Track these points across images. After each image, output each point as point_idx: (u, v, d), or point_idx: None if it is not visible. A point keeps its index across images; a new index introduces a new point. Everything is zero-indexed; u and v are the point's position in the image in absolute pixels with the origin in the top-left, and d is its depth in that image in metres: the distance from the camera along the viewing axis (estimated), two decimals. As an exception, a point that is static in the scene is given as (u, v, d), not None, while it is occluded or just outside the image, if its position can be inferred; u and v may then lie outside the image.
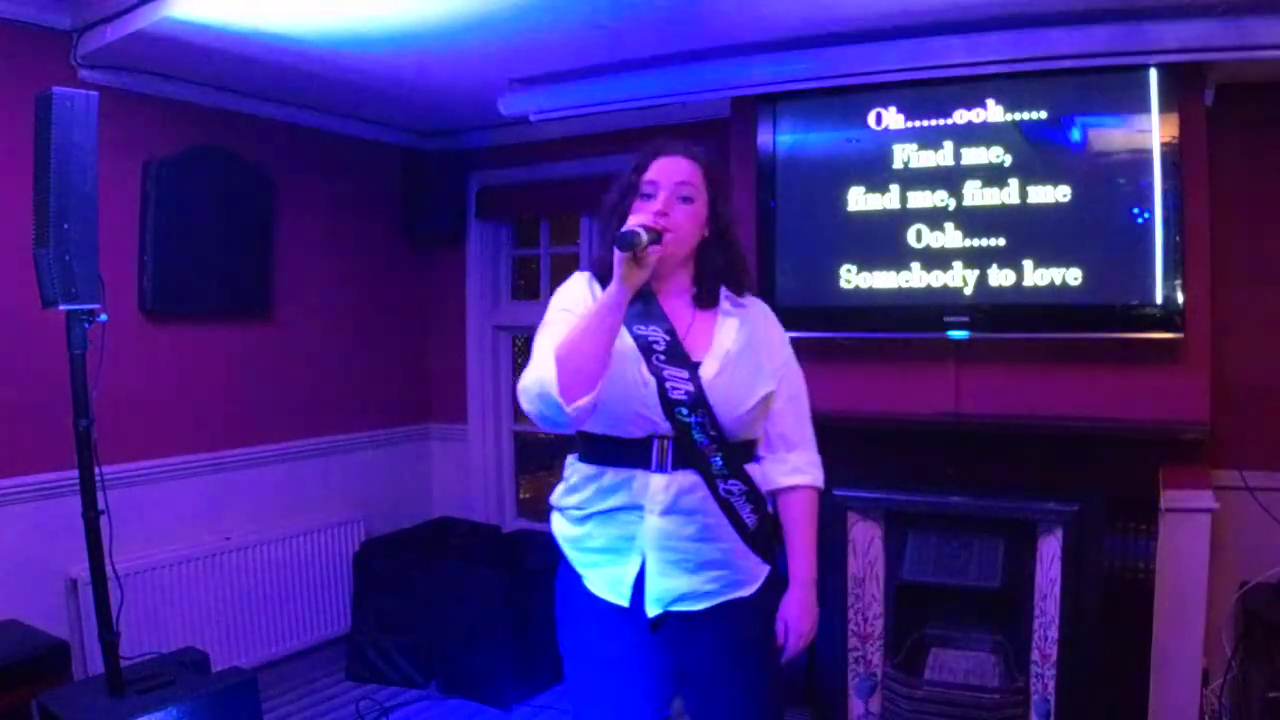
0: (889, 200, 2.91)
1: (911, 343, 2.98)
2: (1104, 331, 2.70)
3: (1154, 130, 2.60)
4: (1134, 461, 2.64)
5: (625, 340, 1.60)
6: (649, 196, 1.65)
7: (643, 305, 1.65)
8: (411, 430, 4.37)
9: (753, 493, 1.67)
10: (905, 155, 2.89)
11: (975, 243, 2.81)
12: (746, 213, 3.16)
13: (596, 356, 1.50)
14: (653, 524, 1.61)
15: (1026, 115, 2.75)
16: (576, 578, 1.70)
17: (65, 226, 2.12)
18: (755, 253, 3.08)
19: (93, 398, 2.24)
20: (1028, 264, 2.75)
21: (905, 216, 2.89)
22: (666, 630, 1.65)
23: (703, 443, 1.61)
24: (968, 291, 2.82)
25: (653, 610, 1.63)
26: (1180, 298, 2.59)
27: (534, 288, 4.45)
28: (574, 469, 1.72)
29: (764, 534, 1.71)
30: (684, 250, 1.67)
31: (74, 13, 2.86)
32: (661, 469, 1.61)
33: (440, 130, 4.22)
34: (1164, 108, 2.59)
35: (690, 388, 1.60)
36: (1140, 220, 2.63)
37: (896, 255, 2.90)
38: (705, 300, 1.72)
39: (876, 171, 2.92)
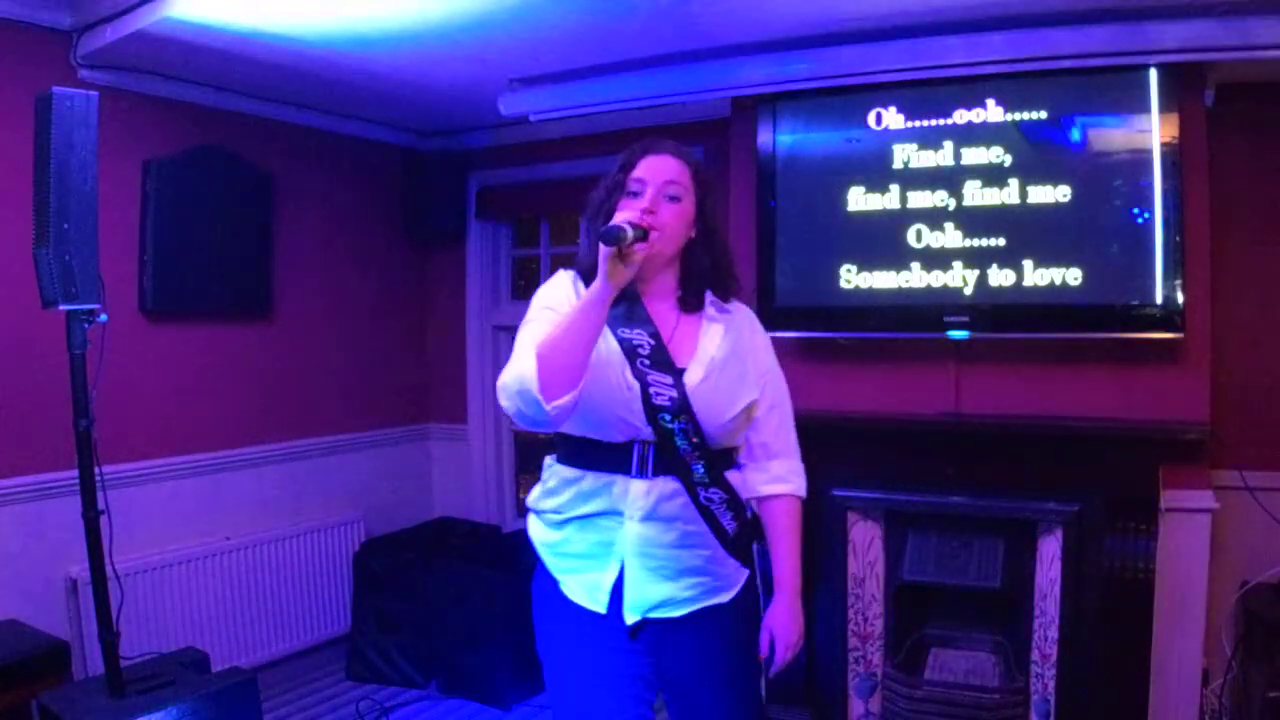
0: (889, 200, 2.91)
1: (911, 343, 2.98)
2: (1104, 331, 2.70)
3: (1154, 130, 2.60)
4: (1134, 461, 2.64)
5: (609, 343, 1.58)
6: (636, 194, 1.61)
7: (627, 307, 1.62)
8: (411, 430, 4.37)
9: (733, 500, 1.65)
10: (905, 155, 2.89)
11: (975, 243, 2.81)
12: (746, 213, 3.16)
13: (579, 354, 1.46)
14: (632, 530, 1.59)
15: (1026, 115, 2.75)
16: (553, 583, 1.67)
17: (65, 226, 2.12)
18: (755, 252, 3.09)
19: (93, 398, 2.25)
20: (1028, 264, 2.75)
21: (905, 216, 2.89)
22: (645, 636, 1.63)
23: (685, 449, 1.59)
24: (968, 291, 2.82)
25: (631, 618, 1.60)
26: (1180, 298, 2.58)
27: (534, 288, 4.42)
28: (552, 471, 1.69)
29: (744, 539, 1.69)
30: (670, 249, 1.63)
31: (74, 13, 2.86)
32: (642, 474, 1.59)
33: (440, 130, 4.22)
34: (1164, 108, 2.59)
35: (674, 394, 1.58)
36: (1140, 220, 2.63)
37: (896, 255, 2.90)
38: (690, 304, 1.69)
39: (876, 171, 2.92)
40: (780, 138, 3.06)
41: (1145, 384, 2.73)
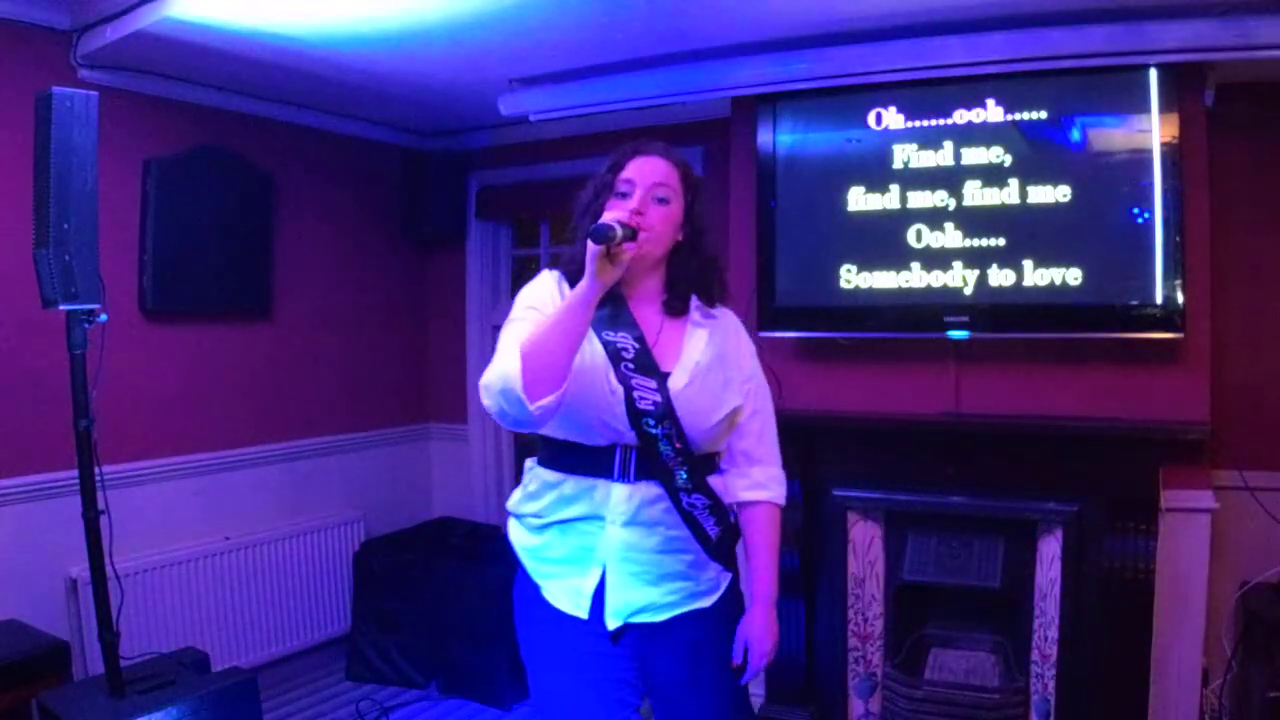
0: (889, 200, 2.91)
1: (911, 343, 2.98)
2: (1104, 331, 2.70)
3: (1154, 130, 2.60)
4: (1134, 461, 2.64)
5: (593, 346, 1.57)
6: (624, 195, 1.61)
7: (612, 310, 1.60)
8: (411, 430, 4.37)
9: (716, 505, 1.64)
10: (905, 155, 2.89)
11: (975, 243, 2.81)
12: (746, 213, 3.16)
13: (564, 354, 1.45)
14: (614, 535, 1.58)
15: (1026, 115, 2.75)
16: (535, 588, 1.65)
17: (65, 226, 2.11)
18: (755, 252, 3.09)
19: (93, 398, 2.24)
20: (1028, 264, 2.75)
21: (905, 216, 2.89)
22: (629, 640, 1.62)
23: (668, 454, 1.57)
24: (968, 291, 2.82)
25: (613, 623, 1.59)
26: (1180, 298, 2.58)
27: (534, 288, 4.44)
28: (533, 475, 1.68)
29: (727, 544, 1.69)
30: (658, 251, 1.62)
31: (74, 13, 2.86)
32: (624, 479, 1.58)
33: (440, 130, 4.22)
34: (1164, 108, 2.59)
35: (658, 398, 1.57)
36: (1140, 220, 2.63)
37: (896, 255, 2.90)
38: (676, 308, 1.68)
39: (876, 171, 2.92)
40: (780, 138, 3.06)
41: (1145, 384, 2.72)
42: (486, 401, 1.50)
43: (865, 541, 3.03)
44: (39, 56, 2.84)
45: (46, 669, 2.47)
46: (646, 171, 1.62)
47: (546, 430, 1.58)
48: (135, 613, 2.97)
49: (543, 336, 1.45)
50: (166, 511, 3.24)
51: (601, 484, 1.58)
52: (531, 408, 1.43)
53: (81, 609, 2.87)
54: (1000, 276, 2.78)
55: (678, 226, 1.65)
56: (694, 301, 1.70)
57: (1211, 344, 2.70)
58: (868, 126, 2.93)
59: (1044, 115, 2.73)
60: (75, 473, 2.26)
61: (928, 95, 2.84)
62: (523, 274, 4.53)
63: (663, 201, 1.61)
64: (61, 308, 2.17)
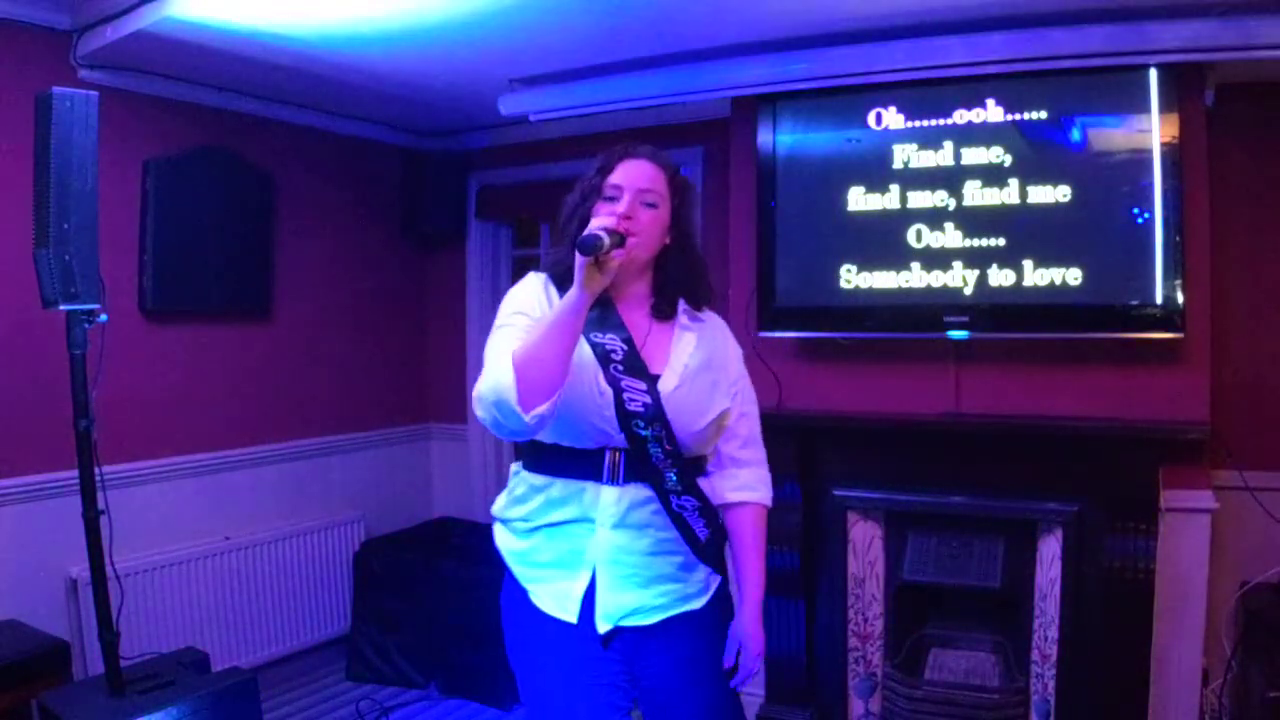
0: (889, 200, 2.91)
1: (911, 343, 2.98)
2: (1104, 331, 2.70)
3: (1154, 130, 2.60)
4: (1134, 461, 2.64)
5: (582, 349, 1.56)
6: (612, 199, 1.60)
7: (600, 313, 1.59)
8: (411, 430, 4.37)
9: (706, 507, 1.64)
10: (905, 155, 2.89)
11: (975, 243, 2.81)
12: (746, 212, 3.17)
13: (557, 363, 1.44)
14: (604, 538, 1.57)
15: (1026, 115, 2.75)
16: (522, 593, 1.64)
17: (65, 226, 2.12)
18: (755, 253, 3.09)
19: (93, 398, 2.25)
20: (1028, 264, 2.75)
21: (905, 216, 2.89)
22: (618, 643, 1.62)
23: (657, 456, 1.57)
24: (968, 291, 2.82)
25: (604, 626, 1.59)
26: (1180, 298, 2.58)
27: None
28: (519, 479, 1.68)
29: (715, 545, 1.68)
30: (645, 255, 1.62)
31: (74, 13, 2.86)
32: (613, 481, 1.57)
33: (440, 130, 4.22)
34: (1164, 108, 2.59)
35: (648, 400, 1.56)
36: (1140, 220, 2.63)
37: (896, 255, 2.90)
38: (663, 311, 1.68)
39: (876, 171, 2.92)
40: (780, 138, 3.06)
41: (1145, 384, 2.72)
42: (480, 413, 1.50)
43: (865, 541, 3.03)
44: (39, 56, 2.84)
45: (46, 669, 2.47)
46: (634, 175, 1.61)
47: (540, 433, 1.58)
48: (135, 613, 2.97)
49: (535, 346, 1.45)
50: (166, 511, 3.24)
51: (590, 486, 1.58)
52: (526, 418, 1.43)
53: (81, 609, 2.87)
54: (1000, 276, 2.78)
55: (665, 230, 1.65)
56: (681, 305, 1.70)
57: (1211, 344, 2.70)
58: (868, 126, 2.93)
59: (1044, 115, 2.73)
60: (75, 473, 2.26)
61: (928, 95, 2.84)
62: (523, 274, 4.49)
63: (650, 206, 1.61)
64: (61, 308, 2.17)
